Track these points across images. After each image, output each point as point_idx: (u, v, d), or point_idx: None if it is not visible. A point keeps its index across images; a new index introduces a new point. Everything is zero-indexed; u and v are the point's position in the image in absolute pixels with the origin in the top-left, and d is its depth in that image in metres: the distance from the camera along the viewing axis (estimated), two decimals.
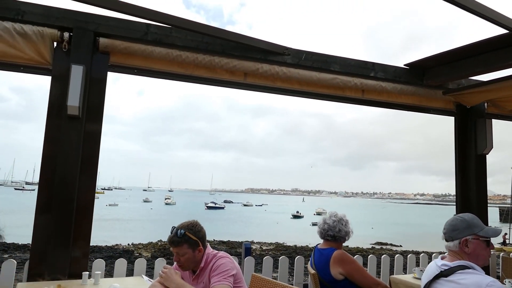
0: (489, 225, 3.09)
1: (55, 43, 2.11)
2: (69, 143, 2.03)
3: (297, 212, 59.93)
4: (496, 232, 1.63)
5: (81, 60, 2.07)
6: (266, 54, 2.49)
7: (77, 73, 2.01)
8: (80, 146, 2.05)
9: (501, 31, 2.19)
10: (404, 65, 2.96)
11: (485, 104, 3.24)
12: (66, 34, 2.08)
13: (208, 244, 1.85)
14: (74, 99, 1.99)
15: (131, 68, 2.31)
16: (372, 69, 2.81)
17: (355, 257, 4.24)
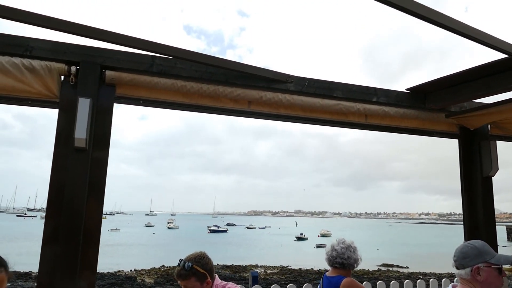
0: (497, 244, 3.04)
1: (62, 77, 2.14)
2: (76, 173, 2.04)
3: (301, 234, 59.30)
4: (508, 260, 1.61)
5: (88, 93, 2.09)
6: (269, 82, 2.52)
7: (84, 106, 2.04)
8: (87, 176, 2.06)
9: (501, 55, 2.23)
10: (406, 89, 2.98)
11: (489, 126, 3.25)
12: (73, 68, 2.12)
13: (216, 275, 1.83)
14: (81, 131, 2.01)
15: (137, 99, 2.33)
16: (375, 94, 2.84)
17: (363, 283, 4.17)
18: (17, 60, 2.05)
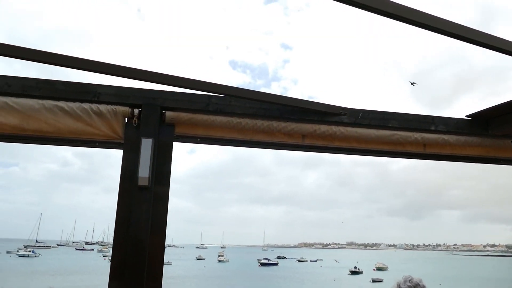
0: None
1: (126, 119, 2.27)
2: (140, 210, 2.13)
3: (355, 267, 56.74)
4: None
5: (150, 133, 2.20)
6: (322, 115, 2.52)
7: (146, 146, 2.14)
8: (150, 212, 2.14)
9: None
10: (466, 116, 2.86)
11: None
12: (136, 110, 2.24)
13: None
14: (144, 170, 2.11)
15: (195, 137, 2.42)
16: (432, 122, 2.74)
17: None
18: (86, 105, 2.21)
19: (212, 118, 2.38)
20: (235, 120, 2.42)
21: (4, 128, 2.14)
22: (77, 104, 2.20)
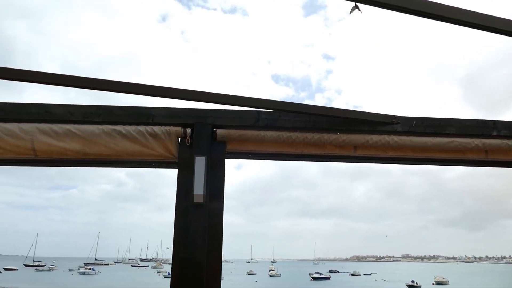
0: None
1: (179, 139, 2.34)
2: (196, 227, 2.18)
3: (413, 281, 54.02)
4: None
5: (203, 151, 2.25)
6: (374, 125, 2.46)
7: (200, 164, 2.19)
8: (206, 229, 2.18)
9: None
10: None
11: None
12: (188, 130, 2.30)
13: None
14: (199, 188, 2.15)
15: (246, 153, 2.45)
16: (494, 127, 2.59)
17: None
18: (142, 128, 2.31)
19: (262, 133, 2.40)
20: (285, 134, 2.42)
21: (68, 154, 2.28)
22: (133, 127, 2.31)
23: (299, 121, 2.41)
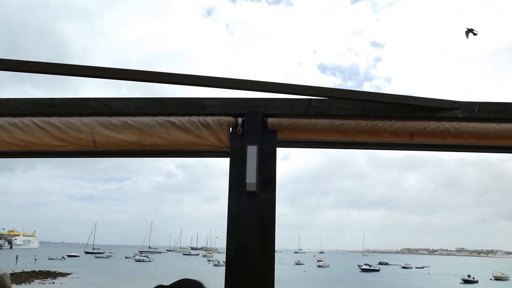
0: None
1: (230, 129, 2.36)
2: (249, 216, 2.19)
3: (469, 276, 51.59)
4: None
5: (254, 140, 2.26)
6: (432, 111, 2.34)
7: (252, 153, 2.20)
8: (258, 218, 2.18)
9: None
10: None
11: None
12: (239, 120, 2.32)
13: None
14: (251, 176, 2.16)
15: (297, 142, 2.42)
16: None
17: None
18: (194, 118, 2.35)
19: (313, 121, 2.36)
20: (337, 122, 2.36)
21: (126, 145, 2.37)
22: (186, 118, 2.35)
23: (352, 108, 2.35)
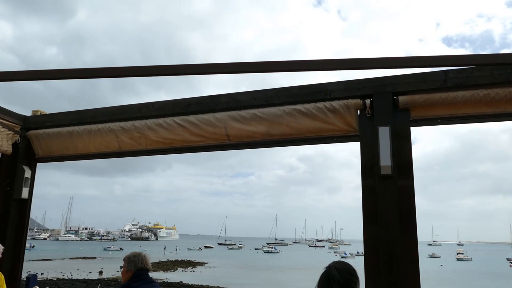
0: None
1: (358, 111, 2.28)
2: (386, 201, 2.08)
3: None
4: None
5: (385, 121, 2.15)
6: None
7: (384, 134, 2.09)
8: (396, 204, 2.06)
9: None
10: None
11: None
12: (367, 101, 2.23)
13: None
14: (385, 159, 2.06)
15: (433, 119, 2.23)
16: None
17: None
18: (320, 104, 2.33)
19: (452, 95, 2.14)
20: (481, 92, 2.10)
21: (256, 136, 2.47)
22: (312, 105, 2.35)
23: (498, 75, 2.07)
